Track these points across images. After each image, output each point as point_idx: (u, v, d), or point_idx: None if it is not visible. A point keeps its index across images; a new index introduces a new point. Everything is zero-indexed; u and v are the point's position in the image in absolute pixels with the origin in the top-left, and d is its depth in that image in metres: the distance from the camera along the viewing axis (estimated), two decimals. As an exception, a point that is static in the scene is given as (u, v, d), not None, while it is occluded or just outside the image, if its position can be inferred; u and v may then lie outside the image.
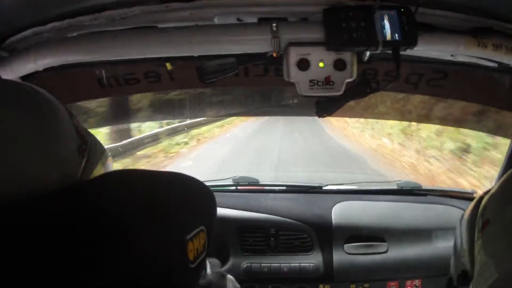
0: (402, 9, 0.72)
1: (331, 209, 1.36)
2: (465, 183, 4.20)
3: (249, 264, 1.27)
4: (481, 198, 0.50)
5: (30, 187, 0.49)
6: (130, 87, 1.05)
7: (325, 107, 0.85)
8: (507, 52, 0.78)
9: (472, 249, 0.47)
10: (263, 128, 10.19)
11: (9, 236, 0.43)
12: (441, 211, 1.36)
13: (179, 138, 8.23)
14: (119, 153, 5.98)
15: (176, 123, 8.36)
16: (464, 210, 0.57)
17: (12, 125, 0.48)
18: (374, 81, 0.92)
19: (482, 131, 1.35)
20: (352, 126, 8.79)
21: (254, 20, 0.78)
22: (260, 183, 1.55)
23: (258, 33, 0.76)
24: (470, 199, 1.35)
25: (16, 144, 0.48)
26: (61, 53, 0.79)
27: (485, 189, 0.54)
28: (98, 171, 0.63)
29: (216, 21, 0.77)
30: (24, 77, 0.87)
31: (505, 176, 0.47)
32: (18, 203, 0.46)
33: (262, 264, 1.27)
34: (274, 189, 1.52)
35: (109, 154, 0.68)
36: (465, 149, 4.62)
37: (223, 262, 1.29)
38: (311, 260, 1.28)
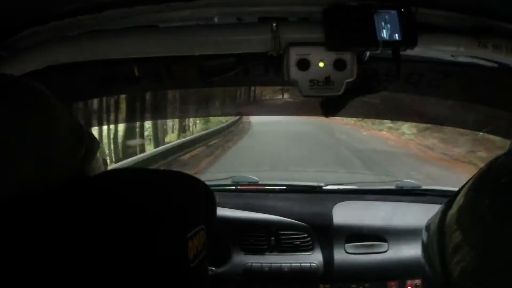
0: (402, 9, 0.72)
1: (332, 209, 1.36)
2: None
3: (249, 264, 1.27)
4: (448, 207, 0.49)
5: (33, 179, 0.49)
6: (130, 87, 1.05)
7: (330, 107, 0.86)
8: (507, 52, 0.78)
9: (443, 258, 0.46)
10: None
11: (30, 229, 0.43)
12: None
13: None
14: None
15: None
16: None
17: (10, 121, 0.48)
18: (375, 81, 0.93)
19: (482, 132, 1.35)
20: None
21: (254, 20, 0.78)
22: (260, 183, 1.55)
23: (258, 33, 0.76)
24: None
25: (15, 139, 0.48)
26: (61, 52, 0.79)
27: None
28: (96, 161, 0.64)
29: (216, 20, 0.78)
30: (24, 76, 0.87)
31: (467, 185, 0.47)
32: (29, 199, 0.46)
33: (263, 264, 1.27)
34: (274, 189, 1.52)
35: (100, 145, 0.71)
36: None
37: (224, 262, 1.29)
38: (312, 260, 1.28)
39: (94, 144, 0.65)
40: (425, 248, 0.53)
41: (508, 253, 0.36)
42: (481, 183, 0.45)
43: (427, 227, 0.54)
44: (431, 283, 0.50)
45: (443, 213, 0.50)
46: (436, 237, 0.49)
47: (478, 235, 0.40)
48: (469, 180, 0.46)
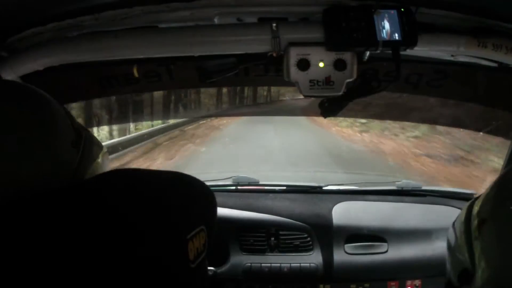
0: (402, 9, 0.72)
1: (332, 209, 1.36)
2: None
3: (249, 264, 1.27)
4: (475, 199, 0.52)
5: (29, 181, 0.49)
6: (130, 87, 1.05)
7: (329, 107, 0.86)
8: (507, 52, 0.78)
9: (471, 248, 0.47)
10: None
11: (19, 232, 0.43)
12: (441, 212, 1.36)
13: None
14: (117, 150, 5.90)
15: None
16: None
17: (10, 122, 0.49)
18: (375, 81, 0.93)
19: (482, 132, 1.35)
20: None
21: (254, 20, 0.78)
22: (260, 183, 1.55)
23: (258, 33, 0.76)
24: (469, 199, 1.35)
25: (14, 140, 0.49)
26: (61, 53, 0.79)
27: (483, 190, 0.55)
28: (97, 166, 0.64)
29: (216, 21, 0.77)
30: (25, 77, 0.87)
31: (498, 177, 0.48)
32: (24, 200, 0.46)
33: (262, 264, 1.27)
34: (274, 189, 1.52)
35: (106, 150, 0.69)
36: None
37: (223, 262, 1.29)
38: (311, 260, 1.28)
39: (93, 147, 0.65)
40: (449, 239, 0.55)
41: None
42: (503, 192, 0.46)
43: (455, 220, 0.55)
44: (454, 271, 0.51)
45: (472, 203, 0.51)
46: (464, 226, 0.50)
47: (501, 240, 0.41)
48: (489, 189, 0.48)
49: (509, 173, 0.47)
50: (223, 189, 1.52)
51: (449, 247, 0.55)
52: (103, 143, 0.71)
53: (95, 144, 0.66)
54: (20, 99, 0.52)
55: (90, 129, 0.68)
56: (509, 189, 0.45)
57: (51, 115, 0.54)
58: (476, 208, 0.49)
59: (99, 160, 0.66)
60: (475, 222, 0.48)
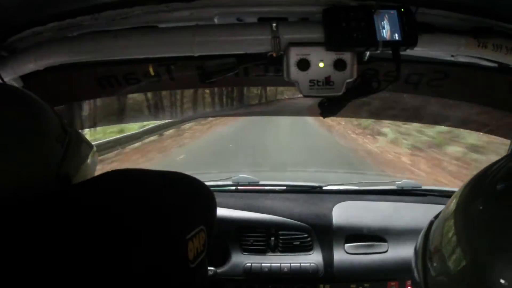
0: (402, 9, 0.72)
1: (332, 209, 1.36)
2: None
3: (249, 264, 1.27)
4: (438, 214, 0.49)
5: (19, 180, 0.50)
6: (130, 87, 1.05)
7: (328, 107, 0.86)
8: (507, 52, 0.78)
9: (425, 268, 0.46)
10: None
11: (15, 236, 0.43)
12: None
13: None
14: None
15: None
16: None
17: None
18: (375, 81, 0.93)
19: (482, 132, 1.35)
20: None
21: (254, 20, 0.78)
22: (260, 183, 1.55)
23: (258, 33, 0.76)
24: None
25: (4, 141, 0.49)
26: (61, 52, 0.79)
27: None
28: (87, 166, 0.64)
29: (216, 21, 0.78)
30: (25, 77, 0.87)
31: (453, 197, 0.46)
32: (20, 202, 0.46)
33: (263, 264, 1.27)
34: (274, 189, 1.52)
35: (95, 149, 0.70)
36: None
37: (223, 262, 1.29)
38: (312, 260, 1.28)
39: (82, 145, 0.65)
40: (415, 252, 0.54)
41: (500, 258, 0.35)
42: (476, 188, 0.44)
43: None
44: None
45: (430, 226, 0.49)
46: (423, 240, 0.49)
47: (469, 239, 0.39)
48: (463, 186, 0.46)
49: (487, 171, 0.45)
50: (223, 189, 1.52)
51: (414, 252, 0.54)
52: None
53: (84, 142, 0.66)
54: (8, 101, 0.52)
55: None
56: (483, 187, 0.43)
57: (41, 115, 0.55)
58: (433, 227, 0.48)
59: (89, 161, 0.66)
60: (431, 241, 0.46)
